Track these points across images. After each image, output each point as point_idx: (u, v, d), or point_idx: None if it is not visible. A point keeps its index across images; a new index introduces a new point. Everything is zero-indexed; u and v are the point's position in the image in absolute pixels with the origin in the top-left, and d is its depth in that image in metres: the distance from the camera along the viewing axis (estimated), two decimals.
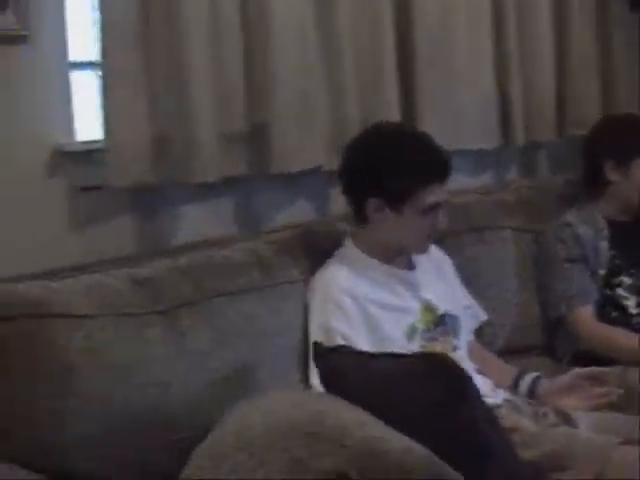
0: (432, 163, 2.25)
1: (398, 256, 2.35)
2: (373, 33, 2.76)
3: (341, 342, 2.13)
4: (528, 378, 2.43)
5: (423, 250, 2.36)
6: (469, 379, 1.78)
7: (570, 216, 2.95)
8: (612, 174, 2.97)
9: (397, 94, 2.80)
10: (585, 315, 2.78)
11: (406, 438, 1.63)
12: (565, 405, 2.31)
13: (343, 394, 1.80)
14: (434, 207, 2.25)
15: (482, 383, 2.30)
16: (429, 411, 1.74)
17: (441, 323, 2.35)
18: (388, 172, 2.21)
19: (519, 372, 2.47)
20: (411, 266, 2.38)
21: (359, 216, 2.31)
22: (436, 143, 2.30)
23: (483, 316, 2.62)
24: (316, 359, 2.02)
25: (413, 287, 2.34)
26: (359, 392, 1.80)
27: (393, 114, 2.76)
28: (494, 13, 3.17)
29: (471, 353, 2.48)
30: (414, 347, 2.25)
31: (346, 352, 1.95)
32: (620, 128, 3.06)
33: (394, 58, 2.81)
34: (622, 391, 2.37)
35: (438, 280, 2.44)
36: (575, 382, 2.38)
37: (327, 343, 2.08)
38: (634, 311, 2.82)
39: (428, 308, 2.33)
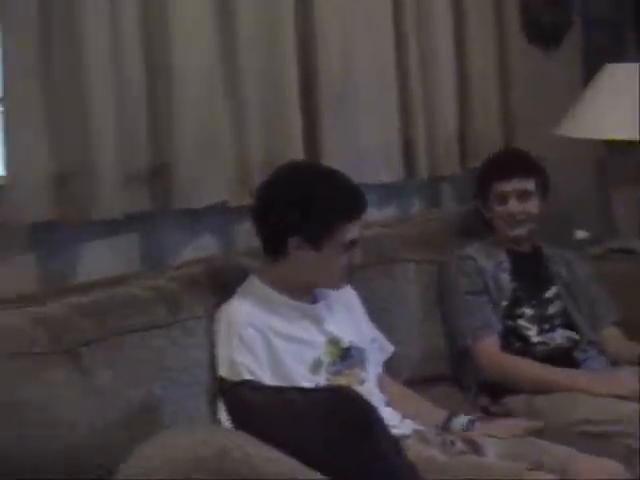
0: (351, 199, 2.29)
1: (307, 292, 2.36)
2: (276, 69, 2.76)
3: (247, 376, 2.12)
4: (463, 419, 2.44)
5: (339, 286, 2.39)
6: (374, 411, 1.79)
7: (471, 249, 3.00)
8: (484, 210, 3.06)
9: (300, 130, 2.80)
10: (489, 346, 2.81)
11: (314, 473, 1.63)
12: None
13: (251, 429, 1.80)
14: (352, 243, 2.28)
15: (390, 414, 2.32)
16: (336, 444, 1.75)
17: (347, 356, 2.35)
18: (309, 210, 2.22)
19: (450, 414, 2.47)
20: (314, 299, 2.39)
21: (274, 253, 2.30)
22: (351, 180, 2.33)
23: (390, 348, 2.63)
24: (223, 394, 2.01)
25: (317, 320, 2.34)
26: (267, 427, 1.80)
27: (296, 150, 2.76)
28: (397, 51, 3.21)
29: (381, 386, 2.49)
30: (320, 380, 2.25)
31: (252, 387, 1.95)
32: (485, 164, 3.13)
33: (297, 94, 2.82)
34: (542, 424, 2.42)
35: (343, 313, 2.45)
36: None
37: (233, 377, 2.08)
38: (536, 340, 2.86)
39: (333, 341, 2.34)
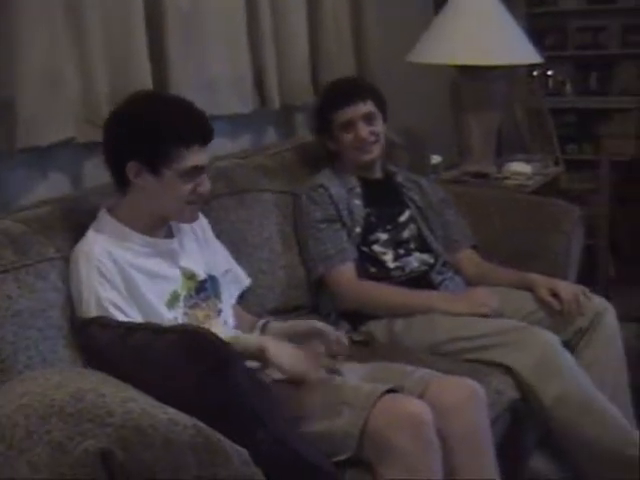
0: (191, 125, 2.22)
1: (158, 226, 2.31)
2: (122, 2, 2.68)
3: (114, 312, 2.08)
4: (258, 325, 2.43)
5: (188, 218, 2.32)
6: (229, 349, 1.79)
7: (322, 177, 3.00)
8: (330, 143, 3.07)
9: (148, 61, 2.73)
10: (345, 274, 2.83)
11: (171, 410, 1.62)
12: None
13: (105, 368, 1.77)
14: (194, 171, 2.22)
15: None
16: (192, 387, 1.74)
17: (202, 289, 2.33)
18: (147, 134, 2.17)
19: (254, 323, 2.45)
20: (170, 234, 2.35)
21: (119, 185, 2.25)
22: (196, 107, 2.27)
23: (245, 280, 2.62)
24: (77, 332, 1.97)
25: (172, 256, 2.31)
26: (117, 367, 1.77)
27: (144, 82, 2.69)
28: None
29: (235, 317, 2.48)
30: (178, 314, 2.23)
31: (101, 324, 1.90)
32: (322, 98, 3.15)
33: (144, 29, 2.74)
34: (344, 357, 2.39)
35: (195, 244, 2.42)
36: (310, 332, 2.36)
37: (102, 314, 2.03)
38: (392, 265, 2.89)
39: (188, 276, 2.31)
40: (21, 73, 2.40)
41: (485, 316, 2.69)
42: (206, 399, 1.74)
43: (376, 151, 3.00)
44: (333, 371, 2.30)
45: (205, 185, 2.26)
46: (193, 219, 2.34)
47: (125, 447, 1.49)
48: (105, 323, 1.90)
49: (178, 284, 2.28)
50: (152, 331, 1.81)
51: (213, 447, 1.62)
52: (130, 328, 1.85)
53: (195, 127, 2.23)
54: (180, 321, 2.22)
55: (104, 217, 2.27)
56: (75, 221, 2.29)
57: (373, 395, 2.06)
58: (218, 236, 2.57)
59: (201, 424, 1.62)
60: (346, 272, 2.83)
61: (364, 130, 2.96)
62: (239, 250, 2.69)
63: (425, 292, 2.82)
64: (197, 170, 2.22)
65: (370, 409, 2.03)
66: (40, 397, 1.57)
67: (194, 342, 1.75)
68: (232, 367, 1.77)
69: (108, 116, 2.28)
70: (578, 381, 2.55)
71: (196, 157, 2.20)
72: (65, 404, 1.54)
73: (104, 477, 1.47)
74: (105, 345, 1.84)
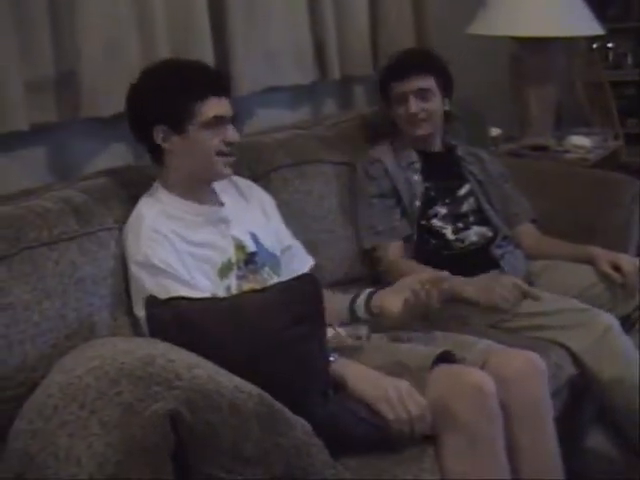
0: (202, 79, 2.27)
1: (203, 191, 2.33)
2: None
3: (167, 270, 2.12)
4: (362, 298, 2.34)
5: (221, 172, 2.31)
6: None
7: (379, 151, 2.98)
8: (388, 112, 3.04)
9: (209, 33, 2.74)
10: (391, 251, 2.81)
11: (237, 379, 1.64)
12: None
13: (191, 339, 1.79)
14: (217, 121, 2.24)
15: None
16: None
17: (250, 261, 2.32)
18: (163, 96, 2.22)
19: (351, 299, 2.37)
20: (219, 203, 2.37)
21: (155, 155, 2.29)
22: (207, 64, 2.37)
23: (309, 261, 2.57)
24: (151, 311, 1.97)
25: (223, 224, 2.32)
26: (214, 328, 1.83)
27: (205, 54, 2.71)
28: None
29: None
30: (230, 283, 2.24)
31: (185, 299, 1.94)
32: (384, 66, 3.10)
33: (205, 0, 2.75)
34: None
35: (256, 217, 2.43)
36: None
37: (152, 279, 2.07)
38: (452, 237, 2.86)
39: (239, 246, 2.31)
40: (83, 44, 2.43)
41: (503, 312, 2.58)
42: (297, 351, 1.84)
43: (427, 127, 2.96)
44: (395, 339, 2.31)
45: (232, 134, 2.28)
46: (227, 173, 2.33)
47: (193, 409, 1.50)
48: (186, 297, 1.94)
49: (231, 253, 2.28)
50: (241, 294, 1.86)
51: (276, 416, 1.64)
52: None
53: (207, 80, 2.27)
54: (233, 289, 2.24)
55: (157, 189, 2.30)
56: (134, 192, 2.32)
57: (429, 357, 2.08)
58: (278, 207, 2.57)
59: (265, 394, 1.64)
60: (391, 250, 2.82)
61: (414, 106, 2.91)
62: (298, 222, 2.69)
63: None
64: (220, 120, 2.25)
65: (427, 370, 2.04)
66: (110, 361, 1.59)
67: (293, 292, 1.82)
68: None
69: (128, 90, 2.31)
70: (633, 365, 2.52)
71: (214, 108, 2.23)
72: (135, 368, 1.55)
73: (173, 439, 1.49)
74: (197, 311, 1.86)
